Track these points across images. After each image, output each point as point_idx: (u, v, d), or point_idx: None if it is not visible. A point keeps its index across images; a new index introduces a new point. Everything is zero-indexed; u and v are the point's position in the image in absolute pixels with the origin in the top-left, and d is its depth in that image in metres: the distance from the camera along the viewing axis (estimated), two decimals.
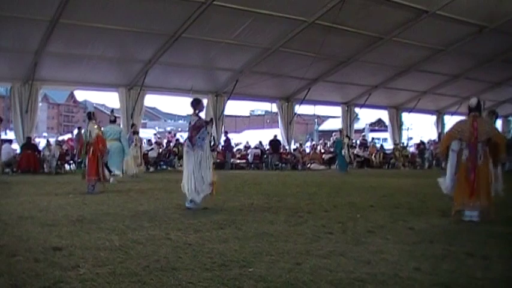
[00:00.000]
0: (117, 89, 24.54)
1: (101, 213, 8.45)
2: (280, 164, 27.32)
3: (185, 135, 10.17)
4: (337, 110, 34.33)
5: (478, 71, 28.95)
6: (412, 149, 34.78)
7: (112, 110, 18.05)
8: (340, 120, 33.21)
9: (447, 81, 30.56)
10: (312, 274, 4.66)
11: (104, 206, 9.55)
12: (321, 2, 19.77)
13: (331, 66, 26.36)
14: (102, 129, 13.46)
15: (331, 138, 29.37)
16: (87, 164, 12.42)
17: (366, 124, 63.61)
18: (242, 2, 19.00)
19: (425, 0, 20.47)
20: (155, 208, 9.25)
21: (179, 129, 59.61)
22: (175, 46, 21.14)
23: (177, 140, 27.11)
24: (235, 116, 76.33)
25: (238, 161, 27.68)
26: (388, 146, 34.66)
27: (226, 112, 28.74)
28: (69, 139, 28.04)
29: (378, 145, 34.84)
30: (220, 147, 26.57)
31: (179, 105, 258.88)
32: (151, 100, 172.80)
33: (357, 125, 42.41)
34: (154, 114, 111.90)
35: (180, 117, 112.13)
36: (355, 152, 30.10)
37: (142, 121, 29.83)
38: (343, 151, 24.02)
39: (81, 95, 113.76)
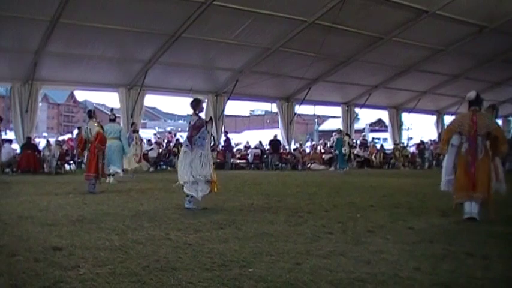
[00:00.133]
0: (117, 89, 24.54)
1: (101, 213, 8.45)
2: (280, 164, 27.33)
3: (185, 135, 10.16)
4: (337, 110, 34.36)
5: (478, 71, 28.97)
6: (412, 149, 34.74)
7: (112, 109, 18.08)
8: (340, 120, 33.21)
9: (447, 81, 30.57)
10: (312, 274, 4.66)
11: (104, 205, 9.55)
12: (321, 2, 19.78)
13: (331, 66, 26.37)
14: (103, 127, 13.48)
15: (331, 139, 29.35)
16: (86, 161, 12.45)
17: (366, 124, 63.67)
18: (242, 2, 19.00)
19: (425, 0, 20.48)
20: (155, 208, 9.25)
21: (179, 129, 59.60)
22: (175, 46, 21.15)
23: (177, 140, 27.11)
24: (235, 116, 76.26)
25: (238, 161, 27.70)
26: (388, 146, 34.68)
27: (226, 112, 28.74)
28: (69, 139, 28.04)
29: (378, 145, 34.85)
30: (220, 147, 26.58)
31: (179, 105, 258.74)
32: (152, 100, 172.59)
33: (357, 125, 42.46)
34: (155, 114, 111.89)
35: (180, 117, 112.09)
36: (355, 152, 30.13)
37: (143, 121, 29.85)
38: (343, 149, 24.01)
39: (81, 95, 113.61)
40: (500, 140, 8.07)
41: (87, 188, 12.06)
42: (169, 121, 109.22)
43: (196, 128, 9.30)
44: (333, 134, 28.09)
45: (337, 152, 24.66)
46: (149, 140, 27.66)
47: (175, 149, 24.81)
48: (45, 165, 21.24)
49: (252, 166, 27.59)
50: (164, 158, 25.10)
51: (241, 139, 39.84)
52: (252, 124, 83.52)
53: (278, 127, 30.42)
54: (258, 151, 28.22)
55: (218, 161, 24.66)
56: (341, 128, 28.48)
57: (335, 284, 4.38)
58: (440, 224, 7.78)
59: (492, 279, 4.62)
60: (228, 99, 27.07)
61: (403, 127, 37.39)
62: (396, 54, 25.58)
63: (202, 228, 7.10)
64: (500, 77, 30.74)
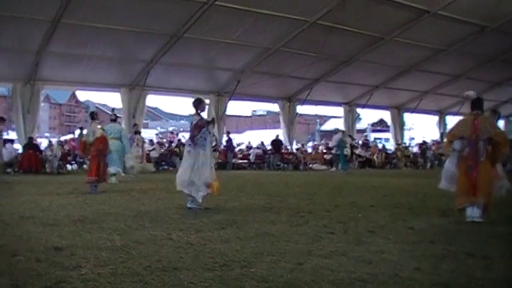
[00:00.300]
0: (119, 89, 24.60)
1: (102, 213, 8.45)
2: (281, 164, 27.34)
3: (187, 135, 10.19)
4: (339, 110, 34.36)
5: (480, 71, 29.00)
6: (415, 149, 34.69)
7: (113, 109, 18.08)
8: (342, 120, 33.22)
9: (449, 81, 30.59)
10: (313, 274, 4.66)
11: (105, 205, 9.55)
12: (322, 2, 19.82)
13: (333, 66, 26.40)
14: (104, 128, 13.51)
15: (333, 139, 29.39)
16: (88, 163, 12.49)
17: (368, 124, 63.53)
18: (243, 2, 19.04)
19: (427, 0, 20.49)
20: (157, 208, 9.25)
21: (181, 129, 59.55)
22: (176, 46, 21.19)
23: (179, 140, 27.12)
24: (237, 116, 76.26)
25: (240, 161, 27.68)
26: (390, 146, 34.68)
27: (228, 112, 28.82)
28: (71, 139, 28.07)
29: (380, 145, 34.83)
30: (222, 148, 26.58)
31: (181, 105, 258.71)
32: (153, 100, 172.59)
33: (359, 125, 42.30)
34: (156, 115, 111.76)
35: (181, 117, 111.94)
36: (357, 152, 30.15)
37: (144, 121, 29.91)
38: (345, 150, 24.02)
39: (83, 95, 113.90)
40: (502, 144, 8.07)
41: (89, 190, 12.08)
42: (171, 121, 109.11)
43: (198, 127, 9.30)
44: (335, 133, 28.12)
45: (338, 152, 24.66)
46: (151, 140, 27.66)
47: (177, 149, 24.83)
48: (47, 165, 21.25)
49: (254, 166, 27.59)
50: (166, 158, 25.09)
51: (243, 139, 39.81)
52: (253, 124, 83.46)
53: (280, 127, 30.44)
54: (260, 151, 28.25)
55: (220, 161, 24.69)
56: (339, 128, 28.49)
57: (336, 284, 4.38)
58: (441, 224, 7.78)
59: (493, 279, 4.62)
60: (230, 99, 27.12)
61: (405, 127, 37.37)
62: (397, 54, 25.60)
63: (203, 228, 7.10)
64: (502, 77, 30.81)
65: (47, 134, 56.43)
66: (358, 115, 34.58)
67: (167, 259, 5.19)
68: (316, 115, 65.29)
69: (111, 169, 15.06)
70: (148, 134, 37.69)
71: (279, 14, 20.16)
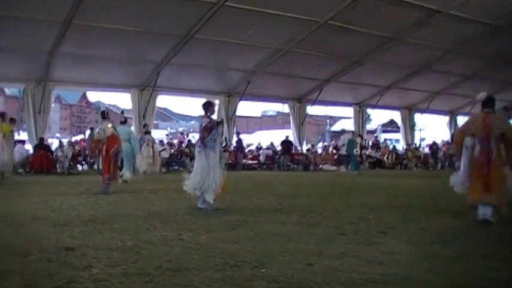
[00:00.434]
0: (129, 89, 24.64)
1: (113, 214, 8.48)
2: (292, 165, 27.28)
3: (197, 136, 10.22)
4: (349, 111, 34.25)
5: (492, 71, 28.77)
6: (426, 150, 34.52)
7: (122, 111, 18.14)
8: (352, 121, 33.14)
9: (460, 81, 30.39)
10: (324, 275, 4.65)
11: (116, 206, 9.59)
12: (333, 2, 19.75)
13: (343, 66, 26.31)
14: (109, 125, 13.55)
15: (340, 139, 29.35)
16: (101, 162, 12.52)
17: (378, 125, 63.38)
18: (254, 2, 19.01)
19: (438, 0, 20.37)
20: (167, 209, 9.27)
21: (191, 130, 59.63)
22: (187, 47, 21.19)
23: (189, 140, 27.15)
24: (247, 117, 76.25)
25: (250, 162, 27.66)
26: (400, 146, 34.57)
27: (238, 113, 28.77)
28: (81, 140, 28.17)
29: (390, 146, 34.73)
30: (232, 148, 26.59)
31: (191, 106, 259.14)
32: (163, 101, 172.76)
33: (369, 126, 42.31)
34: (166, 115, 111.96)
35: (192, 118, 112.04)
36: (367, 152, 30.08)
37: (155, 122, 29.89)
38: (354, 151, 23.95)
39: (93, 96, 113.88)
40: None
41: (102, 189, 12.12)
42: (181, 122, 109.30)
43: (208, 129, 9.34)
44: (344, 133, 28.08)
45: (344, 153, 24.61)
46: (161, 141, 27.70)
47: (187, 150, 24.86)
48: (57, 166, 21.37)
49: (264, 167, 27.55)
50: (176, 159, 25.12)
51: (253, 140, 39.83)
52: (263, 125, 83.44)
53: (290, 128, 30.41)
54: (270, 152, 28.22)
55: (230, 161, 24.67)
56: (346, 128, 28.45)
57: (347, 285, 4.37)
58: (453, 225, 7.74)
59: (506, 281, 4.60)
60: (240, 99, 27.11)
61: (416, 128, 37.23)
62: (408, 55, 25.46)
63: (214, 228, 7.10)
64: None
65: (57, 135, 56.57)
66: (369, 116, 34.49)
67: (178, 259, 5.19)
68: (326, 116, 65.19)
69: (124, 174, 15.12)
70: (159, 134, 37.67)
71: (289, 14, 20.11)
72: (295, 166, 27.41)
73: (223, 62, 24.35)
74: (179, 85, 25.68)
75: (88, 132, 25.04)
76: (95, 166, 18.49)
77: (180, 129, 68.31)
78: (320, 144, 37.33)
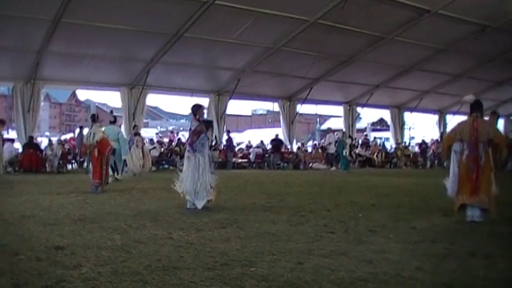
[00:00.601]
0: (119, 88, 24.56)
1: (103, 213, 8.46)
2: (282, 164, 27.30)
3: (187, 134, 10.20)
4: (339, 110, 34.32)
5: (480, 71, 28.92)
6: (416, 148, 34.64)
7: (111, 111, 18.07)
8: (342, 119, 33.19)
9: (449, 80, 30.51)
10: (313, 273, 4.66)
11: (106, 205, 9.56)
12: (323, 1, 19.76)
13: (333, 65, 26.35)
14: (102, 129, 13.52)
15: (327, 137, 29.41)
16: (91, 166, 12.50)
17: (368, 123, 63.47)
18: (244, 1, 18.98)
19: (428, 0, 20.45)
20: (157, 207, 9.26)
21: (181, 129, 59.52)
22: (177, 45, 21.15)
23: (179, 139, 27.11)
24: (237, 116, 76.28)
25: (240, 161, 27.63)
26: (390, 145, 34.67)
27: (228, 111, 28.74)
28: (71, 138, 28.09)
29: (380, 144, 34.82)
30: (222, 147, 26.55)
31: (181, 104, 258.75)
32: (153, 99, 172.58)
33: (359, 125, 42.27)
34: (156, 114, 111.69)
35: (182, 116, 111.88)
36: (357, 151, 30.16)
37: (144, 120, 29.87)
38: (344, 151, 24.03)
39: (83, 94, 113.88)
40: (501, 146, 8.11)
41: (91, 188, 12.10)
42: (171, 120, 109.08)
43: (197, 133, 9.32)
44: (335, 133, 28.16)
45: (333, 152, 24.66)
46: (151, 140, 27.65)
47: (177, 149, 24.82)
48: (47, 165, 21.25)
49: (254, 165, 27.53)
50: (166, 158, 25.07)
51: (243, 138, 39.84)
52: (253, 123, 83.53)
53: (280, 126, 30.40)
54: (260, 150, 28.20)
55: (220, 160, 24.66)
56: (331, 127, 28.54)
57: (337, 283, 4.38)
58: (442, 223, 7.78)
59: (494, 279, 4.63)
60: (230, 98, 27.07)
61: (405, 126, 37.36)
62: (398, 54, 25.53)
63: (204, 227, 7.11)
64: (502, 77, 30.72)
65: (47, 133, 56.34)
66: (358, 114, 34.57)
67: (168, 258, 5.19)
68: (316, 114, 65.26)
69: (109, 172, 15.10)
70: (149, 133, 37.62)
71: (279, 13, 20.11)
72: (285, 165, 27.42)
73: (213, 60, 24.33)
74: (169, 84, 25.65)
75: (77, 130, 24.98)
76: (85, 165, 18.41)
77: (170, 128, 68.20)
78: (310, 143, 37.36)
